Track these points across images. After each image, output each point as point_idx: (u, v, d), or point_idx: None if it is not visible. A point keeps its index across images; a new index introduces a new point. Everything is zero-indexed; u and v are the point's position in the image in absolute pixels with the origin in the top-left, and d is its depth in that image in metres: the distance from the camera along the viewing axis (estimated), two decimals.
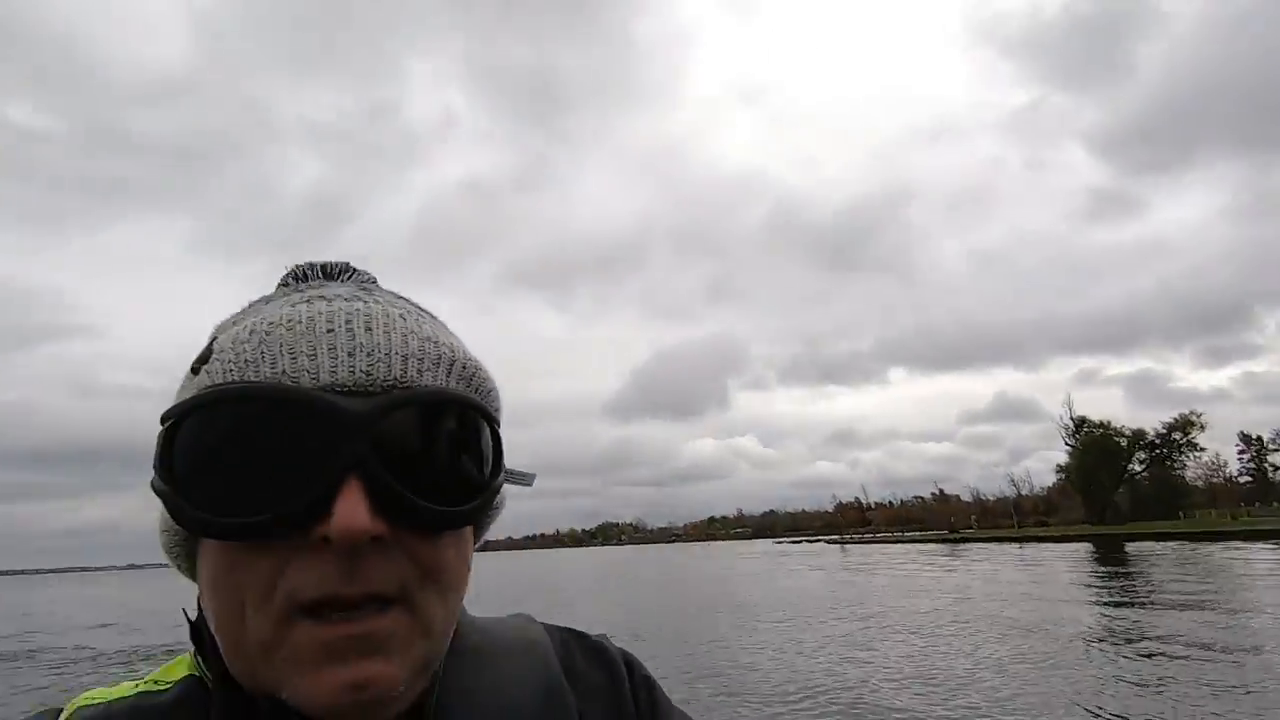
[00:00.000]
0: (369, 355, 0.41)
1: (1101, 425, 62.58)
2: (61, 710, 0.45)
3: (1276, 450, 69.58)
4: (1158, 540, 34.64)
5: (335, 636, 0.37)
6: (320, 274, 0.49)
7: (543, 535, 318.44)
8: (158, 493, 0.40)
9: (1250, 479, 70.80)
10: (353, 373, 0.40)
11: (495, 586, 30.22)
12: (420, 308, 0.50)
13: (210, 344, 0.43)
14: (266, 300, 0.48)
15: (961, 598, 15.93)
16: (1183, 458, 60.61)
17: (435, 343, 0.44)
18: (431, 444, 0.41)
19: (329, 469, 0.37)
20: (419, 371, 0.42)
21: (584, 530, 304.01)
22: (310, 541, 0.37)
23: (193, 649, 0.47)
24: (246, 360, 0.40)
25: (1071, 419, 64.44)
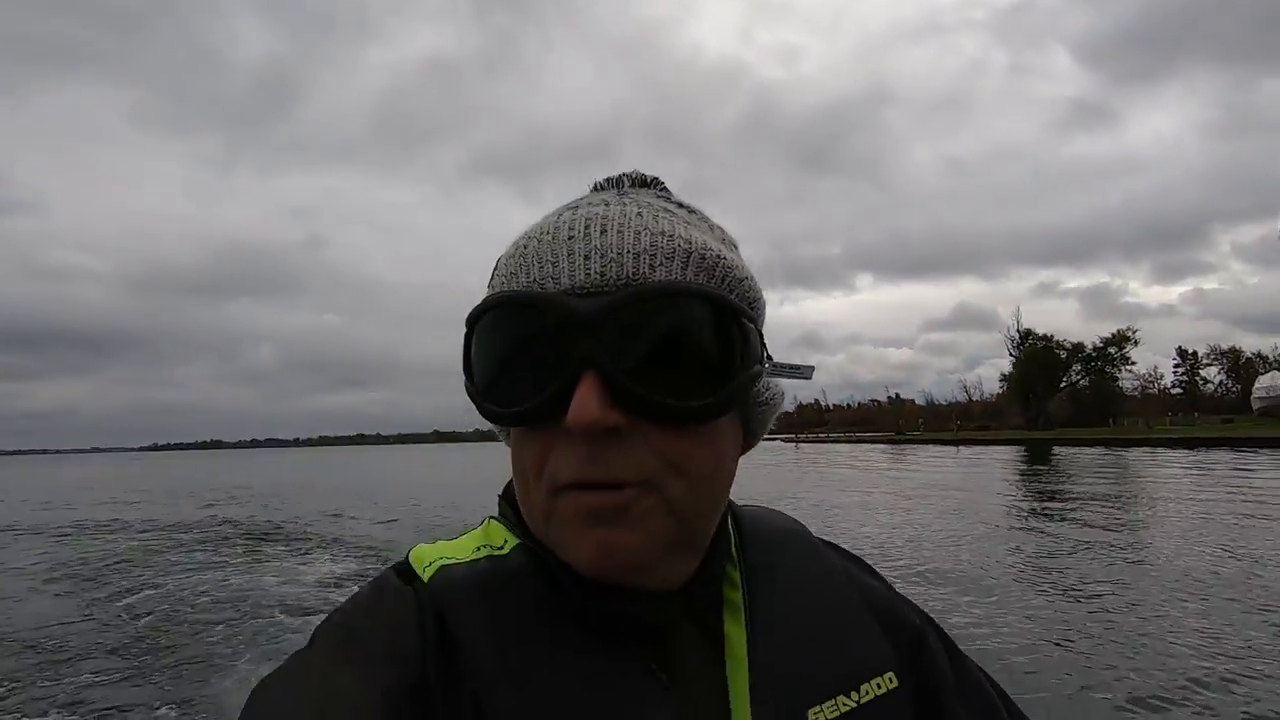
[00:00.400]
0: (602, 257, 0.43)
1: (1045, 338, 65.23)
2: (407, 562, 0.52)
3: (1210, 364, 73.88)
4: (1082, 445, 37.32)
5: (585, 505, 0.42)
6: (613, 187, 0.53)
7: None
8: (466, 389, 0.47)
9: (1181, 391, 75.29)
10: (588, 275, 0.43)
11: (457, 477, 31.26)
12: (676, 205, 0.50)
13: (498, 261, 0.50)
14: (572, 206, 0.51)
15: (883, 488, 17.40)
16: (1115, 370, 63.87)
17: (670, 236, 0.45)
18: (665, 337, 0.42)
19: (566, 366, 0.41)
20: (651, 267, 0.43)
21: None
22: (562, 430, 0.42)
23: (499, 517, 0.54)
24: (511, 273, 0.46)
25: (1018, 331, 66.98)
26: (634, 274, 0.43)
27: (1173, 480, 17.67)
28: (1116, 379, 65.74)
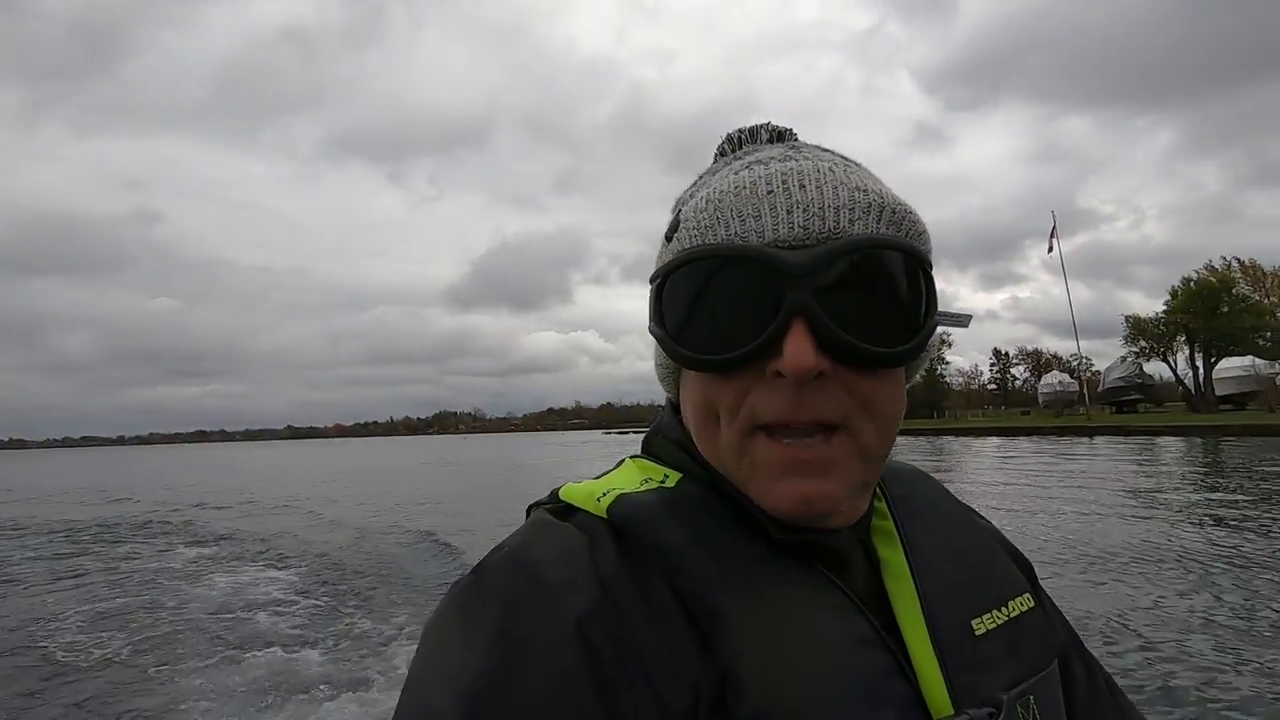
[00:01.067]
0: (804, 211, 0.46)
1: None
2: (558, 500, 0.55)
3: (1018, 364, 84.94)
4: (912, 435, 41.82)
5: (789, 458, 0.45)
6: (749, 137, 0.57)
7: (375, 423, 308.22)
8: (655, 336, 0.51)
9: (995, 386, 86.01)
10: (792, 229, 0.45)
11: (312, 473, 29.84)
12: (847, 158, 0.53)
13: (676, 216, 0.52)
14: (713, 172, 0.55)
15: None
16: (941, 367, 72.11)
17: (864, 191, 0.47)
18: (866, 288, 0.45)
19: (778, 314, 0.44)
20: (850, 221, 0.46)
21: (420, 419, 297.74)
22: (766, 374, 0.45)
23: (645, 456, 0.59)
24: (706, 226, 0.48)
25: None
26: (835, 227, 0.45)
27: (959, 458, 20.57)
28: (944, 376, 73.87)
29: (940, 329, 0.52)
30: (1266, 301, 44.11)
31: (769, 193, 0.47)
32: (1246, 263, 45.98)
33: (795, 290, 0.44)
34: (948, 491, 0.62)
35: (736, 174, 0.49)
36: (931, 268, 0.48)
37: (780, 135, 0.57)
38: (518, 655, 0.42)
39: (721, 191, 0.48)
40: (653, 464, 0.56)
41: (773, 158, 0.50)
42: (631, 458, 0.58)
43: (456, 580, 0.49)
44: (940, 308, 0.49)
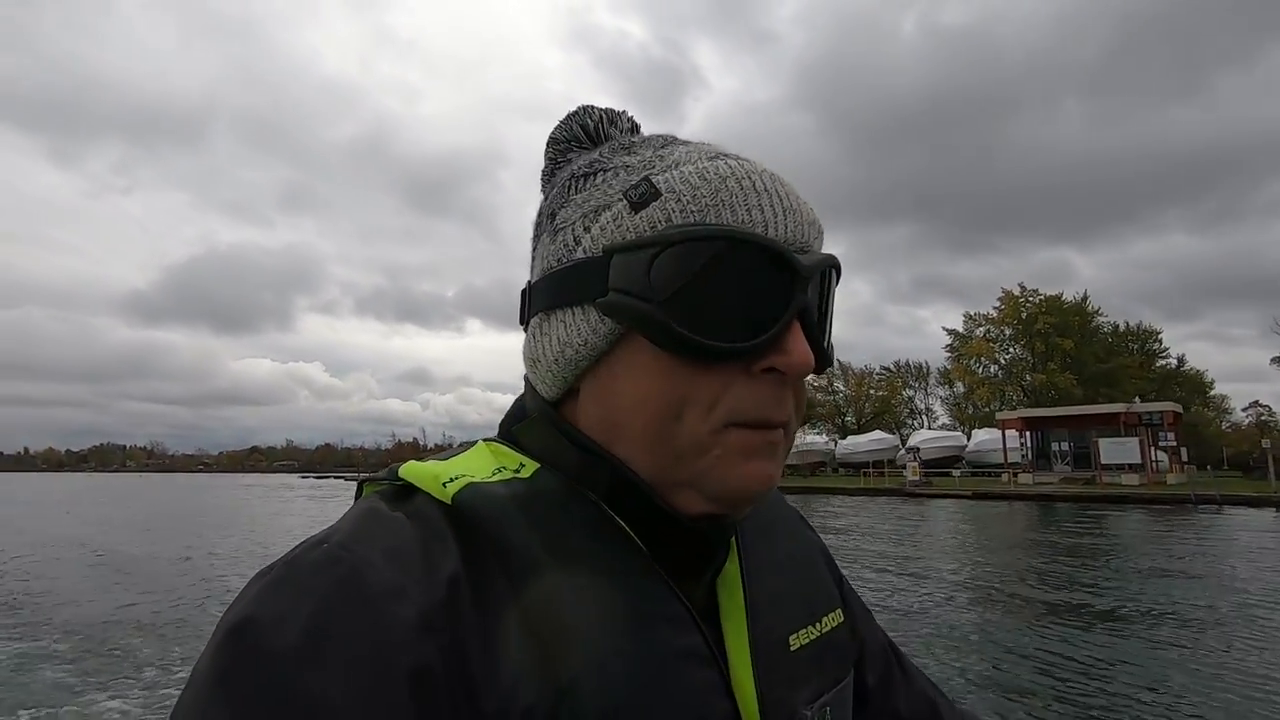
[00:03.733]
0: (796, 217, 0.46)
1: None
2: (398, 478, 0.48)
3: None
4: None
5: (761, 442, 0.45)
6: (609, 123, 0.56)
7: (1, 454, 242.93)
8: (634, 311, 0.44)
9: None
10: (786, 232, 0.45)
11: None
12: None
13: (647, 182, 0.46)
14: (657, 147, 0.50)
15: None
16: None
17: (816, 214, 0.49)
18: (829, 303, 0.48)
19: (786, 312, 0.44)
20: (818, 238, 0.48)
21: (70, 451, 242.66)
22: (753, 370, 0.44)
23: (500, 440, 0.53)
24: (707, 205, 0.44)
25: None
26: (809, 241, 0.47)
27: None
28: None
29: None
30: (851, 390, 60.64)
31: (765, 190, 0.46)
32: (840, 361, 62.86)
33: (803, 292, 0.44)
34: (782, 497, 0.63)
35: (721, 160, 0.47)
36: None
37: (635, 128, 0.57)
38: (327, 678, 0.35)
39: (718, 174, 0.45)
40: (509, 450, 0.51)
41: (738, 155, 0.49)
42: (485, 440, 0.54)
43: (260, 571, 0.41)
44: None
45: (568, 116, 0.55)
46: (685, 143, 0.51)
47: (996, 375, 48.63)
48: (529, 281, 0.53)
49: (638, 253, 0.45)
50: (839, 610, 0.58)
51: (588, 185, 0.49)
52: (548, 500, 0.46)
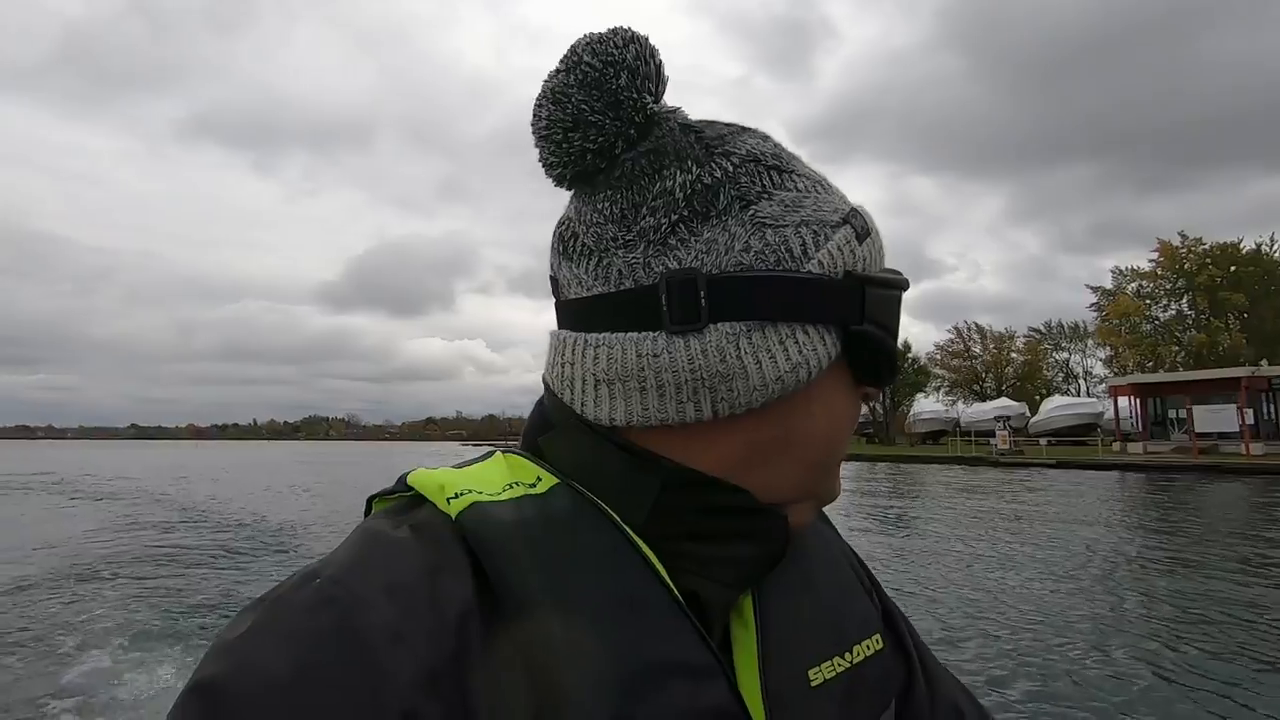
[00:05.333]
0: None
1: None
2: (407, 487, 0.43)
3: None
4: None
5: None
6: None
7: (235, 425, 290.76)
8: (876, 340, 0.44)
9: None
10: None
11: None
12: None
13: (858, 215, 0.46)
14: (800, 176, 0.45)
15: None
16: None
17: None
18: None
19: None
20: None
21: (286, 423, 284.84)
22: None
23: (520, 452, 0.48)
24: (875, 253, 0.46)
25: None
26: None
27: None
28: None
29: None
30: (988, 355, 57.51)
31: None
32: (975, 325, 59.66)
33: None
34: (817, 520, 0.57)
35: (865, 211, 0.48)
36: None
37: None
38: None
39: (874, 225, 0.47)
40: (528, 462, 0.46)
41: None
42: (503, 452, 0.49)
43: (248, 607, 0.37)
44: None
45: (642, 46, 0.44)
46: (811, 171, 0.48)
47: (1148, 335, 44.16)
48: (693, 268, 0.41)
49: (889, 290, 0.45)
50: (877, 636, 0.51)
51: (784, 184, 0.43)
52: (558, 524, 0.41)
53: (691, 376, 0.41)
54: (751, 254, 0.41)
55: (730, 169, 0.42)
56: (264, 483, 23.00)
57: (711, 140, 0.44)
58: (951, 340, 59.46)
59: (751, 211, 0.42)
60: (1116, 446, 30.35)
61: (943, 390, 58.60)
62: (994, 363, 57.79)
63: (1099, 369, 54.88)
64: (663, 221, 0.41)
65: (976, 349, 58.69)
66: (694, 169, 0.42)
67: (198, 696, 0.33)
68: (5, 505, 16.07)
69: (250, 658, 0.34)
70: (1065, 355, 59.47)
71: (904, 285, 0.47)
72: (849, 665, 0.48)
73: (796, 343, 0.42)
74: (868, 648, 0.50)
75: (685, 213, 0.41)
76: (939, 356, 58.93)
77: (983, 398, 51.74)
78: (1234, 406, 26.16)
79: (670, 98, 0.46)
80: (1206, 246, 42.74)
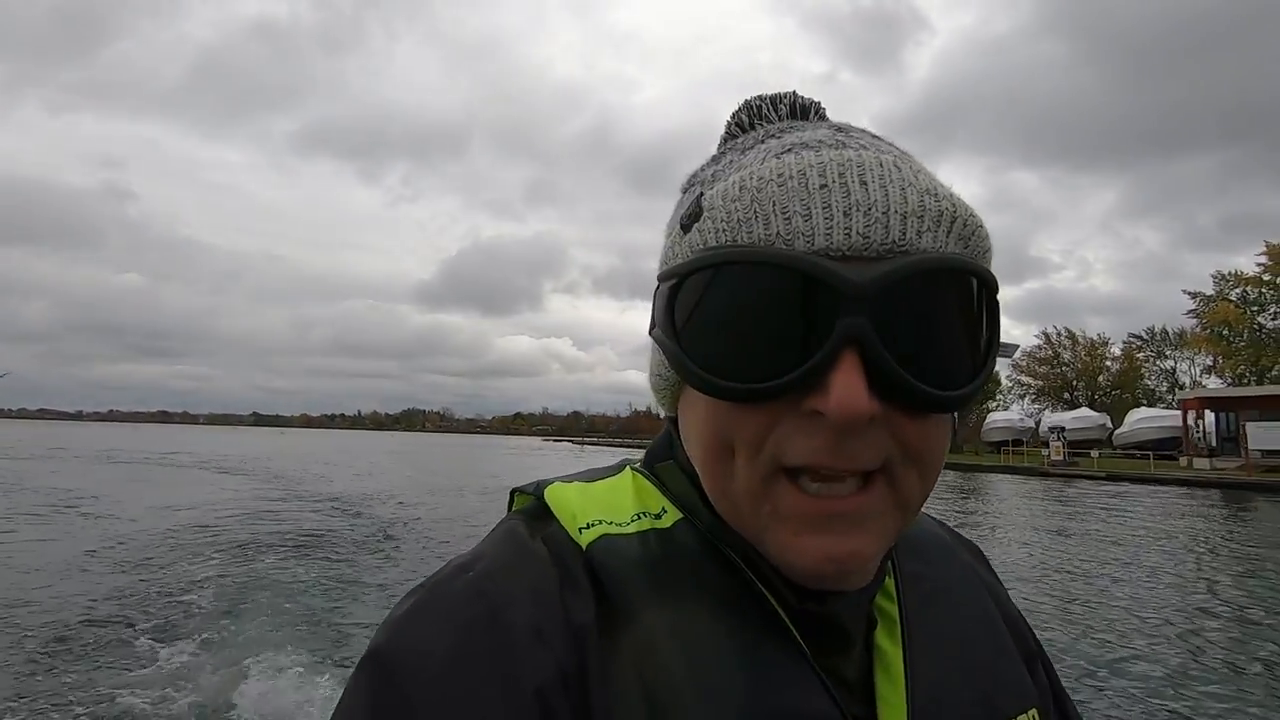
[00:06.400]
0: (866, 214, 0.37)
1: None
2: (542, 504, 0.46)
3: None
4: None
5: (819, 510, 0.37)
6: (770, 107, 0.47)
7: (342, 416, 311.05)
8: (662, 347, 0.41)
9: None
10: (848, 235, 0.36)
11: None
12: (905, 152, 0.43)
13: (698, 200, 0.41)
14: (741, 149, 0.44)
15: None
16: None
17: (936, 197, 0.38)
18: (931, 318, 0.37)
19: (827, 342, 0.35)
20: (919, 233, 0.37)
21: (387, 415, 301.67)
22: (801, 410, 0.37)
23: (644, 472, 0.49)
24: (739, 220, 0.38)
25: None
26: (900, 239, 0.37)
27: None
28: None
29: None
30: (1079, 363, 54.73)
31: (822, 187, 0.37)
32: (1067, 330, 56.79)
33: (851, 315, 0.35)
34: (973, 564, 0.54)
35: (778, 157, 0.40)
36: (998, 292, 0.40)
37: (805, 111, 0.48)
38: (462, 713, 0.35)
39: (760, 179, 0.39)
40: (653, 488, 0.47)
41: (821, 141, 0.41)
42: (633, 470, 0.50)
43: (409, 592, 0.42)
44: None
45: (732, 114, 0.49)
46: (766, 142, 0.44)
47: (1248, 345, 40.99)
48: None
49: (665, 284, 0.41)
50: (1033, 711, 0.47)
51: (679, 203, 0.45)
52: (681, 562, 0.42)
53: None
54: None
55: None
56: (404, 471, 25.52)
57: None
58: (1040, 346, 56.93)
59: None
60: (1184, 461, 28.85)
61: (1028, 398, 56.33)
62: (1085, 370, 54.98)
63: (1211, 380, 51.36)
64: None
65: (1067, 355, 55.99)
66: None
67: (370, 662, 0.38)
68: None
69: (413, 634, 0.39)
70: (1171, 364, 55.77)
71: (683, 271, 0.39)
72: None
73: (654, 349, 0.44)
74: None
75: None
76: (1025, 363, 56.62)
77: (1072, 406, 49.48)
78: None
79: (747, 96, 0.49)
80: None
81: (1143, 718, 4.43)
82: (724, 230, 0.39)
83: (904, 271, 0.36)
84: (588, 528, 0.43)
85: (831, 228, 0.37)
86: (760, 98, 0.48)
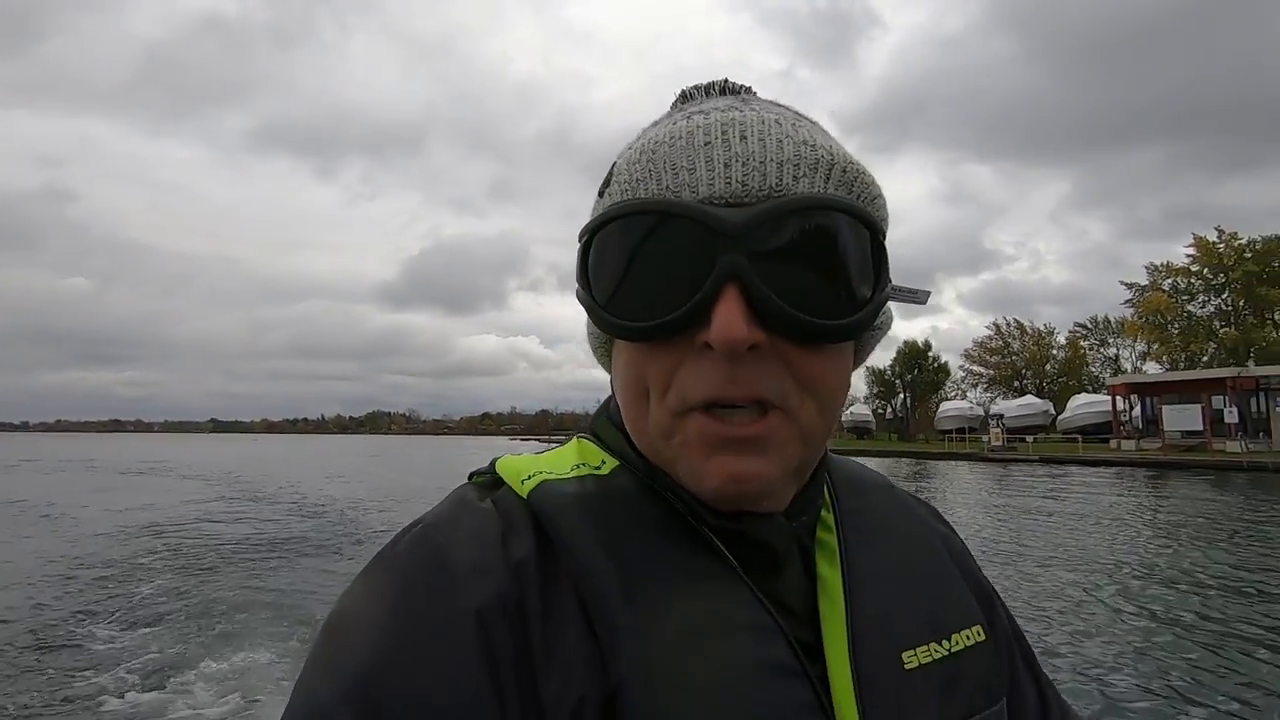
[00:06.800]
0: (744, 164, 0.41)
1: None
2: (492, 471, 0.50)
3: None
4: None
5: (721, 434, 0.41)
6: (704, 94, 0.51)
7: (305, 420, 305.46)
8: (580, 301, 0.45)
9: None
10: (729, 183, 0.41)
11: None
12: (799, 113, 0.48)
13: (610, 169, 0.47)
14: (655, 124, 0.49)
15: None
16: None
17: (812, 146, 0.43)
18: (809, 253, 0.41)
19: (708, 279, 0.39)
20: (794, 178, 0.42)
21: (351, 418, 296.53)
22: (696, 346, 0.41)
23: (589, 437, 0.54)
24: (637, 179, 0.44)
25: None
26: (777, 184, 0.41)
27: None
28: None
29: (896, 304, 0.49)
30: (1027, 352, 57.03)
31: (705, 144, 0.42)
32: (1015, 321, 59.07)
33: (729, 252, 0.39)
34: (913, 506, 0.58)
35: (675, 123, 0.45)
36: (884, 235, 0.44)
37: (736, 93, 0.51)
38: (409, 645, 0.39)
39: (655, 142, 0.44)
40: (595, 447, 0.52)
41: (716, 108, 0.45)
42: (579, 437, 0.55)
43: (375, 555, 0.46)
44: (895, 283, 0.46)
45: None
46: (676, 113, 0.48)
47: (1179, 332, 43.39)
48: None
49: (582, 240, 0.45)
50: (978, 627, 0.50)
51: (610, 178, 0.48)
52: (617, 498, 0.46)
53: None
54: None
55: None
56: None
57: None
58: (990, 336, 59.16)
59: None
60: (1114, 444, 30.70)
61: (980, 387, 58.49)
62: (1033, 359, 57.27)
63: (1150, 366, 53.94)
64: None
65: (1016, 345, 58.23)
66: None
67: (325, 623, 0.43)
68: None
69: (361, 588, 0.43)
70: (1114, 351, 58.42)
71: (589, 229, 0.44)
72: (947, 653, 0.47)
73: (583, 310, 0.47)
74: (968, 638, 0.49)
75: None
76: (976, 354, 58.79)
77: (1022, 394, 51.55)
78: (1199, 407, 26.62)
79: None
80: (1247, 240, 41.78)
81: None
82: (626, 189, 0.44)
83: (776, 210, 0.40)
84: (529, 478, 0.47)
85: (714, 178, 0.41)
86: (696, 86, 0.52)
